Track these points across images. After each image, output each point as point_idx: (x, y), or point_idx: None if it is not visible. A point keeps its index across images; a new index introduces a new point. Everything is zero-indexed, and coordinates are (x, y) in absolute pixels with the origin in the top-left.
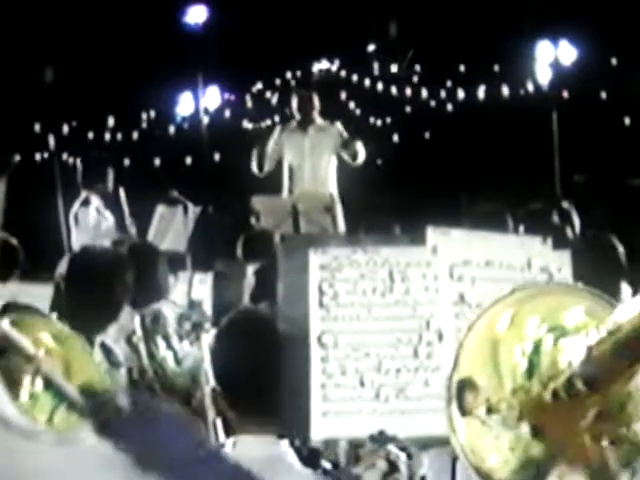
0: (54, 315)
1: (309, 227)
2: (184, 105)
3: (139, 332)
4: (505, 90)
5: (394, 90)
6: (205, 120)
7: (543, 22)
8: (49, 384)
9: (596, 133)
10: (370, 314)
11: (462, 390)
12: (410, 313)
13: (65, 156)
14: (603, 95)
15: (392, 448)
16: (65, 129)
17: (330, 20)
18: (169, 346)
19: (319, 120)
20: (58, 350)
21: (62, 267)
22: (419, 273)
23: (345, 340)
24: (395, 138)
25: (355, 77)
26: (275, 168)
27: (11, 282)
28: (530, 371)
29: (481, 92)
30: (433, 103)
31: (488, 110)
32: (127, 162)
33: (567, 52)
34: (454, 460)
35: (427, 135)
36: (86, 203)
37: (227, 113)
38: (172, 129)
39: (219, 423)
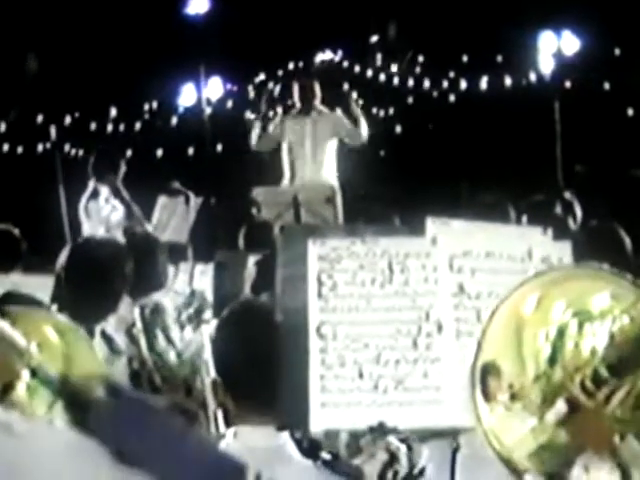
0: (54, 306)
1: (310, 218)
2: (186, 96)
3: (139, 324)
4: (508, 80)
5: (396, 81)
6: (207, 111)
7: (546, 12)
8: (40, 377)
9: (599, 124)
10: (369, 305)
11: (485, 375)
12: (409, 304)
13: (67, 147)
14: (606, 86)
15: (392, 439)
16: (67, 120)
17: (332, 11)
18: (168, 338)
19: (320, 107)
20: (59, 342)
21: (62, 258)
22: (418, 264)
23: (344, 331)
24: (398, 129)
25: (357, 68)
26: (276, 158)
27: (13, 273)
28: (553, 358)
29: (484, 82)
30: (435, 93)
31: (491, 100)
32: (129, 153)
33: (570, 42)
34: (454, 452)
35: (430, 125)
36: (95, 195)
37: (229, 104)
38: (174, 120)
39: (220, 414)
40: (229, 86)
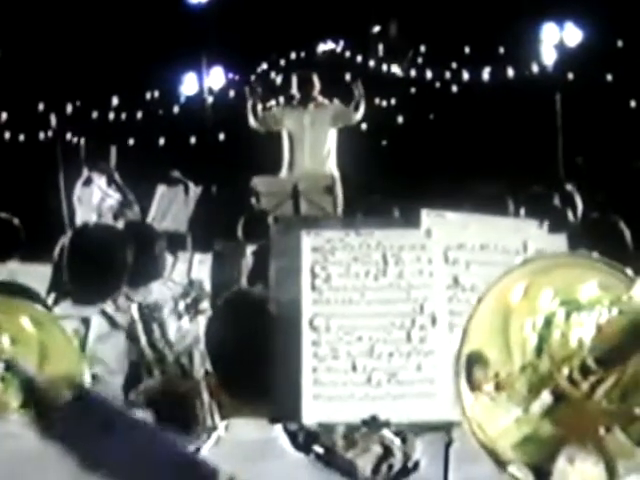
0: (53, 294)
1: (309, 208)
2: (188, 85)
3: (136, 318)
4: (510, 72)
5: (398, 71)
6: (209, 100)
7: (548, 4)
8: (14, 370)
9: (601, 116)
10: (363, 297)
11: (471, 364)
12: (403, 297)
13: (69, 136)
14: (608, 77)
15: (387, 433)
16: (69, 109)
17: (335, 1)
18: (165, 334)
19: (319, 98)
20: (35, 334)
21: (62, 244)
22: (413, 256)
23: (337, 323)
24: (399, 119)
25: (359, 58)
26: (278, 148)
27: (11, 262)
28: (540, 347)
29: (486, 74)
30: (438, 84)
31: (493, 92)
32: (131, 142)
33: (572, 34)
34: (447, 446)
35: (431, 116)
36: (88, 182)
37: (231, 93)
38: (176, 109)
39: (214, 406)
40: (231, 75)
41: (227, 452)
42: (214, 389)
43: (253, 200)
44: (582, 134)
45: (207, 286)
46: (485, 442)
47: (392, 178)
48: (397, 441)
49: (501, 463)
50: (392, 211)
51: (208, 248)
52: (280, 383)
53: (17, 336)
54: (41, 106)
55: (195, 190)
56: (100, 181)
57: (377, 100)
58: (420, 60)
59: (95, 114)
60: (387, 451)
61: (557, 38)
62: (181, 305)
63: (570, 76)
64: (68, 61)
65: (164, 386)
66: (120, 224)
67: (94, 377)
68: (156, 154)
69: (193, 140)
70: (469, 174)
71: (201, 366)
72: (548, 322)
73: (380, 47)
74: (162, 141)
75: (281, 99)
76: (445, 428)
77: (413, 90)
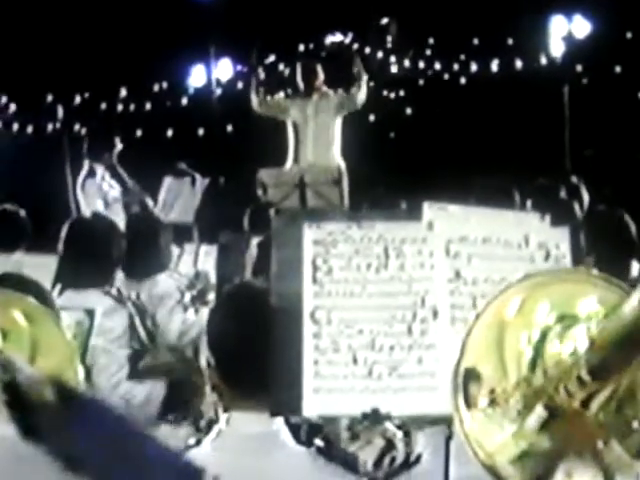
0: (58, 286)
1: (316, 200)
2: (196, 77)
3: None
4: (518, 64)
5: (407, 63)
6: (217, 92)
7: None
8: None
9: (609, 108)
10: (364, 290)
11: (467, 380)
12: (405, 290)
13: (77, 127)
14: (617, 69)
15: (389, 426)
16: (77, 100)
17: None
18: (167, 330)
19: (323, 89)
20: (27, 328)
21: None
22: (415, 249)
23: (338, 316)
24: (408, 111)
25: (368, 50)
26: (284, 141)
27: (17, 253)
28: (534, 361)
29: (494, 66)
30: (446, 76)
31: (501, 84)
32: (139, 133)
33: (581, 26)
34: (448, 439)
35: (439, 108)
36: (92, 173)
37: (239, 85)
38: (184, 101)
39: (215, 398)
40: (239, 67)
41: (228, 445)
42: (215, 381)
43: (260, 192)
44: (590, 126)
45: (214, 277)
46: (484, 459)
47: (399, 170)
48: (399, 434)
49: (501, 479)
50: (399, 204)
51: (215, 240)
52: (281, 376)
53: (8, 330)
54: (49, 98)
55: (202, 182)
56: (102, 172)
57: (385, 92)
58: (428, 52)
59: (103, 106)
60: (389, 444)
61: (565, 30)
62: (187, 297)
63: (578, 68)
64: (76, 53)
65: (161, 367)
66: (118, 210)
67: (87, 373)
68: (164, 146)
69: (201, 132)
70: (476, 166)
71: (203, 357)
72: (544, 336)
73: (388, 39)
74: (170, 133)
75: (289, 91)
76: (446, 421)
77: (421, 82)
